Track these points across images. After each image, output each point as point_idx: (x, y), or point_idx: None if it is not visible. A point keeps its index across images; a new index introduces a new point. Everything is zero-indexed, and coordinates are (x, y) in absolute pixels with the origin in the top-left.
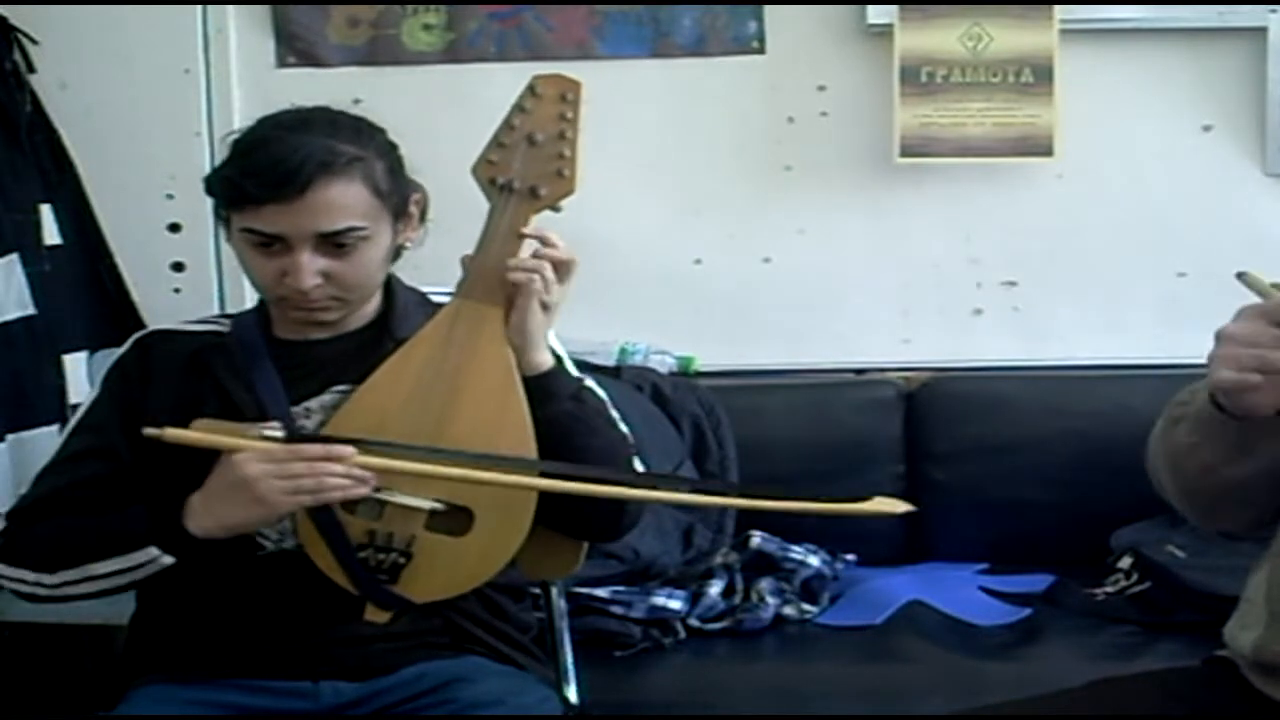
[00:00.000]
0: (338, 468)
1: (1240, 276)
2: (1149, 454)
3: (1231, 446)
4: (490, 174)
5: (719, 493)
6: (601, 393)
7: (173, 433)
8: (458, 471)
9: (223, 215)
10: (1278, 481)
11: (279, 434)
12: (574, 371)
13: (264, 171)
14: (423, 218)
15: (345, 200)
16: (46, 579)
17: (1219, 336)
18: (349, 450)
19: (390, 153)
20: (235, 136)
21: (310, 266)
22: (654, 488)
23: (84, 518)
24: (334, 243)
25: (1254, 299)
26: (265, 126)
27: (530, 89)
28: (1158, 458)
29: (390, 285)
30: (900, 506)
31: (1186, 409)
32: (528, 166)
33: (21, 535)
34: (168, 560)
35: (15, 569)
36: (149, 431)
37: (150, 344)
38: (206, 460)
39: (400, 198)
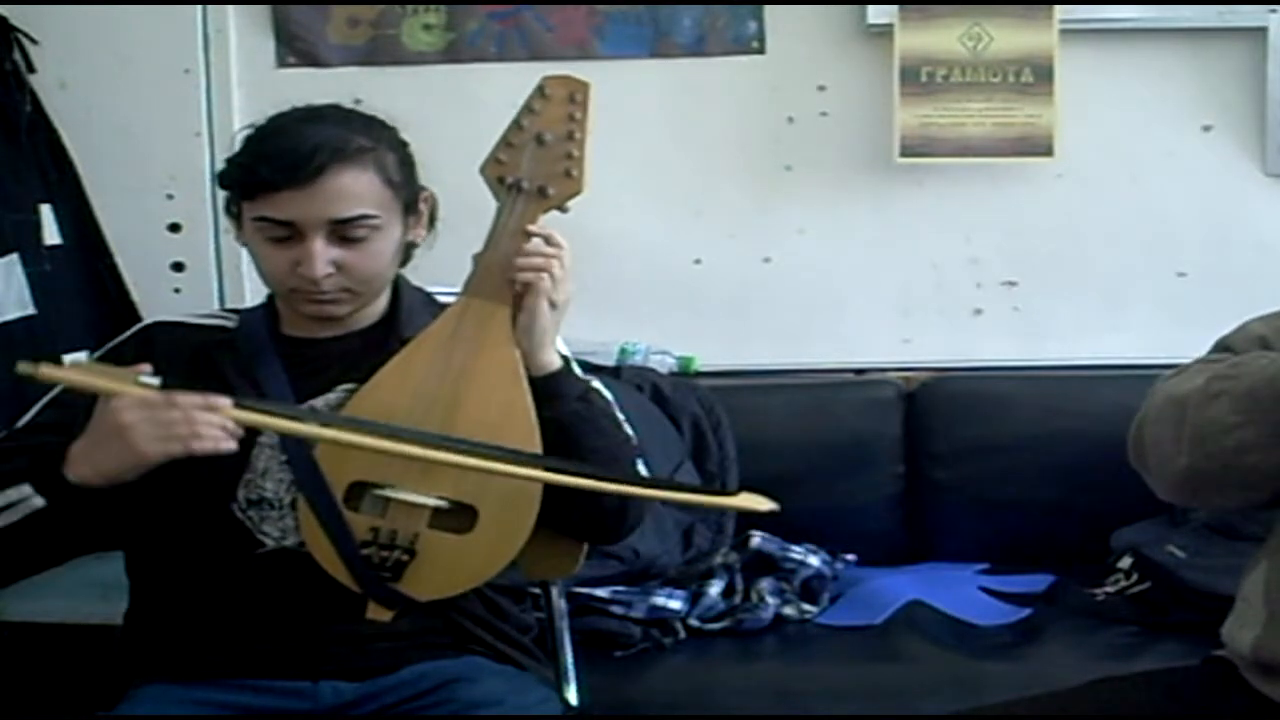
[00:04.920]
0: (214, 418)
1: None
2: (1149, 424)
3: (1277, 431)
4: (499, 173)
5: (590, 476)
6: (608, 394)
7: (47, 370)
8: (375, 442)
9: (233, 212)
10: None
11: (154, 381)
12: (580, 372)
13: (278, 156)
14: (432, 221)
15: (358, 188)
16: None
17: None
18: (225, 401)
19: (401, 148)
20: (248, 131)
21: (323, 255)
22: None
23: None
24: (345, 232)
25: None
26: (279, 119)
27: (539, 90)
28: (1175, 429)
29: (397, 285)
30: (764, 504)
31: (1231, 384)
32: (536, 166)
33: None
34: (39, 502)
35: None
36: (22, 368)
37: (154, 336)
38: None
39: (411, 192)
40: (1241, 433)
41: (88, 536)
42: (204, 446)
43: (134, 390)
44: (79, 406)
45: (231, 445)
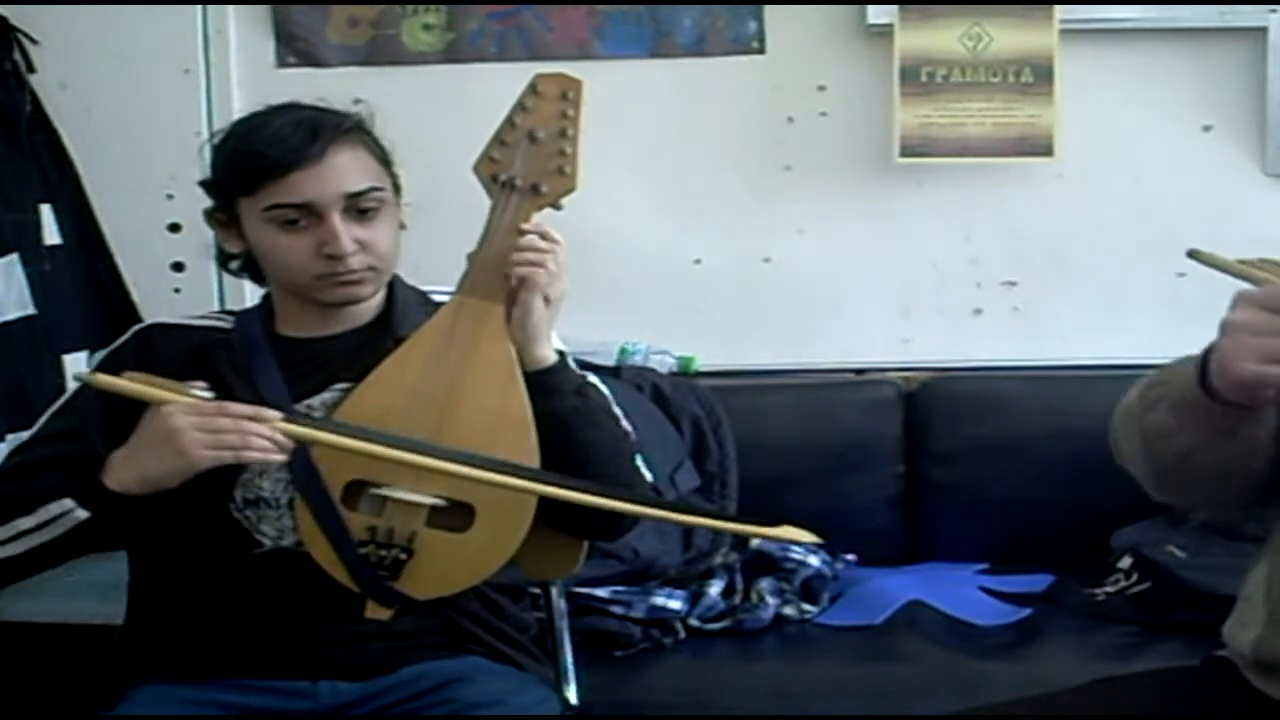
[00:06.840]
0: (263, 429)
1: (1193, 255)
2: (1116, 431)
3: (1215, 431)
4: (492, 171)
5: (637, 502)
6: (605, 389)
7: (103, 379)
8: (394, 453)
9: (219, 218)
10: (1252, 464)
11: (209, 395)
12: (576, 369)
13: (284, 139)
14: (397, 191)
15: (361, 161)
16: None
17: (1225, 327)
18: (274, 414)
19: (370, 131)
20: (216, 140)
21: (345, 231)
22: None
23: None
24: (360, 204)
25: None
26: (250, 119)
27: (532, 87)
28: (1129, 438)
29: (392, 283)
30: (807, 536)
31: (1165, 390)
32: (529, 164)
33: None
34: (81, 514)
35: None
36: (78, 374)
37: (150, 337)
38: None
39: (393, 171)
40: (1182, 437)
41: (113, 540)
42: (253, 456)
43: (184, 398)
44: (91, 412)
45: (281, 457)
